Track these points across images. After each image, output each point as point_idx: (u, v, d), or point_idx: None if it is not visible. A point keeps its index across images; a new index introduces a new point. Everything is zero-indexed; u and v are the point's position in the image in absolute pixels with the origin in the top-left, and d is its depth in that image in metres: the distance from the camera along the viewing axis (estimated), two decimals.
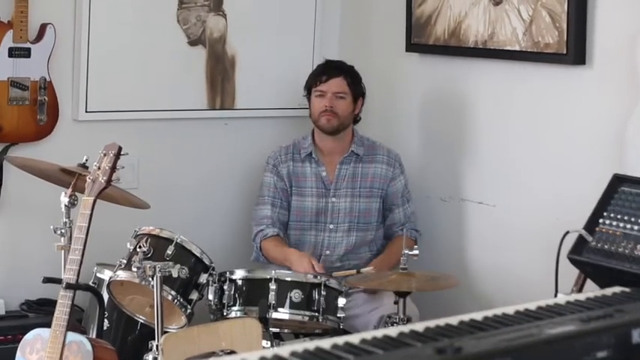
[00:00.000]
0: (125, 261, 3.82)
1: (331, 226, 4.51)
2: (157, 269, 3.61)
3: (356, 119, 4.61)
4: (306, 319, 3.94)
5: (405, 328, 2.06)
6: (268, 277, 3.93)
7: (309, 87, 4.57)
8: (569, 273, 3.38)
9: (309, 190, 4.53)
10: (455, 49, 4.58)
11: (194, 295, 3.89)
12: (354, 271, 4.24)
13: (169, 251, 3.82)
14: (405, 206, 4.59)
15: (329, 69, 4.56)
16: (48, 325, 3.67)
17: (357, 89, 4.56)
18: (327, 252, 4.49)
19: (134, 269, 3.68)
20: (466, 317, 2.20)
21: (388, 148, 4.63)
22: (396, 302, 3.85)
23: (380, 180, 4.55)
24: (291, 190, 4.53)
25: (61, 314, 3.62)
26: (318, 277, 3.98)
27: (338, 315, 3.97)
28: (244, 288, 3.97)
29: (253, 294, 3.94)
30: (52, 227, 3.90)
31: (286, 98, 4.94)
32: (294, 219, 4.53)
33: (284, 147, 4.60)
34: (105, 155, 3.71)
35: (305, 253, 4.36)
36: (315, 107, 4.53)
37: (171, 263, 3.69)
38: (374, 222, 4.54)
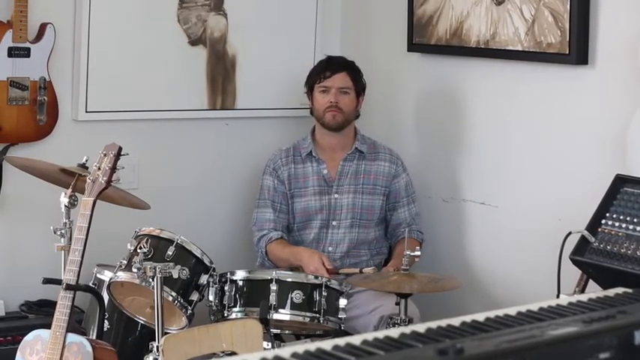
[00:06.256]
0: (125, 262, 3.82)
1: (334, 223, 4.50)
2: (158, 270, 3.62)
3: (357, 115, 4.59)
4: (307, 320, 3.94)
5: (407, 329, 2.07)
6: (269, 277, 3.93)
7: (312, 83, 4.55)
8: (572, 274, 3.38)
9: (311, 189, 4.51)
10: (457, 49, 4.58)
11: (194, 296, 3.89)
12: (357, 270, 4.24)
13: (170, 252, 3.83)
14: (410, 206, 4.58)
15: (332, 64, 4.54)
16: (48, 326, 3.66)
17: (359, 84, 4.56)
18: (330, 249, 4.48)
19: (134, 270, 3.69)
20: (468, 318, 2.21)
21: (389, 147, 4.63)
22: (397, 303, 3.84)
23: (383, 177, 4.54)
24: (291, 192, 4.51)
25: (61, 315, 3.62)
26: (320, 277, 3.98)
27: (339, 316, 3.97)
28: (245, 289, 3.96)
29: (254, 295, 3.94)
30: (51, 228, 3.89)
31: (287, 98, 4.93)
32: (300, 220, 4.52)
33: (284, 150, 4.59)
34: (105, 155, 3.70)
35: (315, 250, 4.36)
36: (320, 103, 4.51)
37: (171, 264, 3.70)
38: (376, 219, 4.53)
